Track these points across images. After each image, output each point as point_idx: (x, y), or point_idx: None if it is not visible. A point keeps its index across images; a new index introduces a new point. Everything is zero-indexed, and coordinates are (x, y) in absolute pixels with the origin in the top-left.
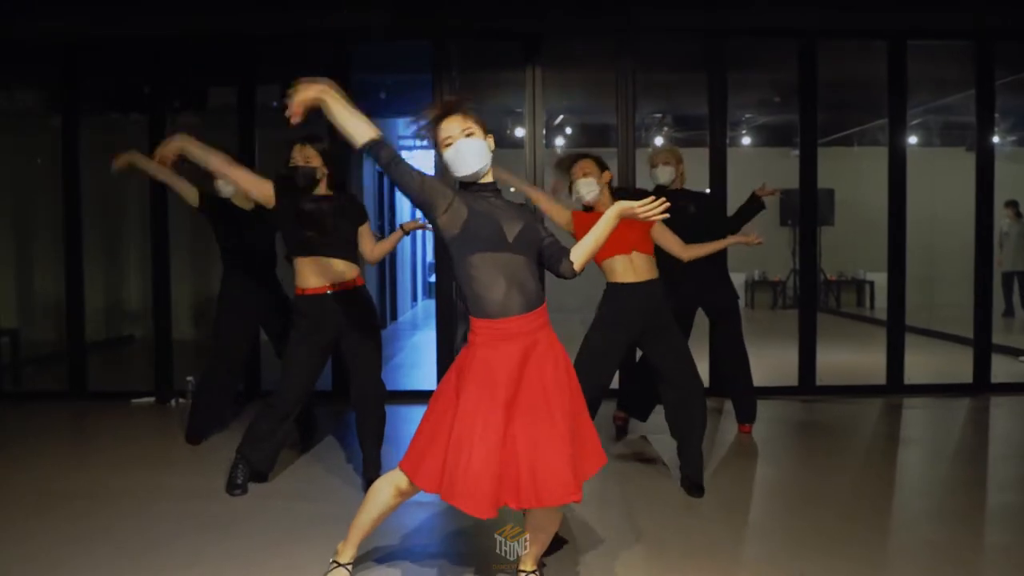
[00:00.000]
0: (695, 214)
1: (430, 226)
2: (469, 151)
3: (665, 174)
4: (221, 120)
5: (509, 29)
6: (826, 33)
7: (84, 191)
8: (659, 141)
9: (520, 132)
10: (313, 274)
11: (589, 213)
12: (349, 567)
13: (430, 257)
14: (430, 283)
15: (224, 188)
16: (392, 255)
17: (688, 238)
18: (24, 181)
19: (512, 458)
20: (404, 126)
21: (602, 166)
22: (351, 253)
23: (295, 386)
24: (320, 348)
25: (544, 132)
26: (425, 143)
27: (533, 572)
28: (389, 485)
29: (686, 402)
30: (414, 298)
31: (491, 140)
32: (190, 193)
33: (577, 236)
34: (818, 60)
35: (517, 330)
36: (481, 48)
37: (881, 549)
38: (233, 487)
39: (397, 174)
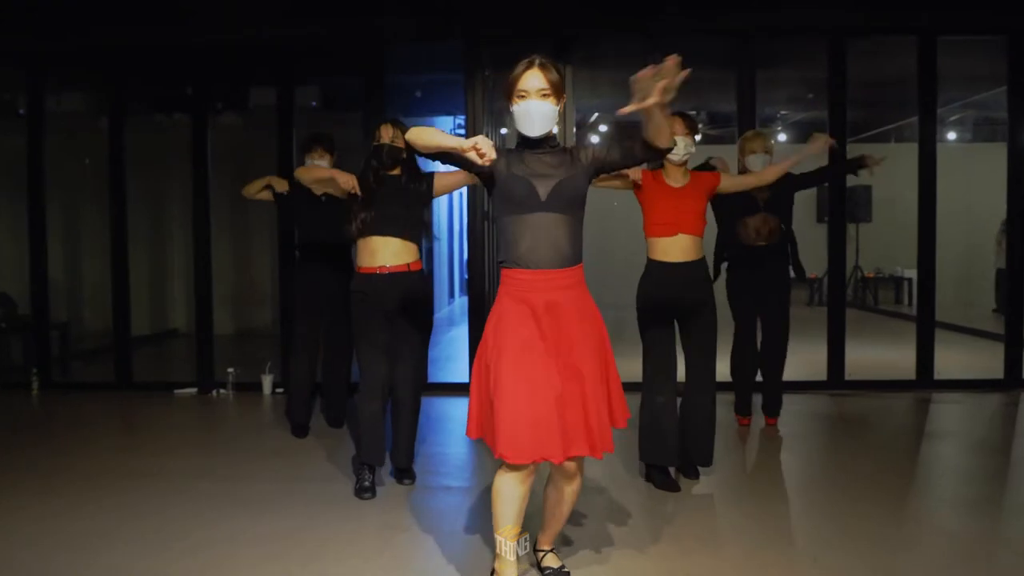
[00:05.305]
0: (768, 200)
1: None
2: (538, 113)
3: (758, 163)
4: (261, 120)
5: (543, 29)
6: (854, 30)
7: (129, 190)
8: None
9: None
10: (369, 254)
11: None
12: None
13: (467, 254)
14: (466, 280)
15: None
16: (429, 253)
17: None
18: (72, 180)
19: (545, 409)
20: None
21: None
22: (411, 233)
23: (366, 368)
24: (378, 327)
25: (575, 130)
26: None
27: (552, 550)
28: (500, 477)
29: (694, 396)
30: (451, 295)
31: (563, 103)
32: (280, 182)
33: (642, 197)
34: (847, 57)
35: (541, 283)
36: (514, 48)
37: (897, 536)
38: (362, 491)
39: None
